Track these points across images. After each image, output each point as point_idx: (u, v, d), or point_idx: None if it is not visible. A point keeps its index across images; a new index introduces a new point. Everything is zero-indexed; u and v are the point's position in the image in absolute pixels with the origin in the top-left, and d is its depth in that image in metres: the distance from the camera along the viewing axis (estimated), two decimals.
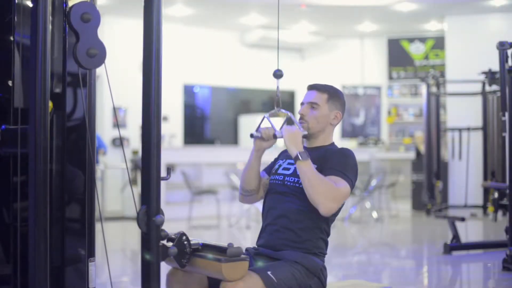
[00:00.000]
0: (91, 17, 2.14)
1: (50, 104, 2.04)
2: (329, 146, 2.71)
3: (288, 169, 2.65)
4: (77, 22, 2.11)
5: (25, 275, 1.99)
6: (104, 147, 10.01)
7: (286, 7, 10.59)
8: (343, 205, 2.56)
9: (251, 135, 2.69)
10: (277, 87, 2.67)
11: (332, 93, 2.70)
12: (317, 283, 2.49)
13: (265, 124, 2.70)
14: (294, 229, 2.54)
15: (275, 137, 2.64)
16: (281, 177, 2.65)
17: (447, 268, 5.78)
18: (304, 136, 2.68)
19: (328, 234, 2.63)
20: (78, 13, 2.12)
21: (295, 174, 2.61)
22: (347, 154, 2.60)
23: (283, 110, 2.71)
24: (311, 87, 2.73)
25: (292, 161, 2.63)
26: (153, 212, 2.07)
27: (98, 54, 2.15)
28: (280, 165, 2.71)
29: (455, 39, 11.05)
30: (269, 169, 2.81)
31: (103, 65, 2.21)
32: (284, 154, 2.77)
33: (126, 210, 9.90)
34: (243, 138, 12.38)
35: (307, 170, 2.47)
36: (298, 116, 2.71)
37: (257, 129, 2.70)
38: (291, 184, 2.61)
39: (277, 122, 2.70)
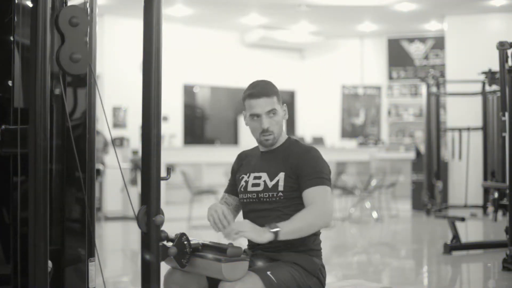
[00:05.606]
0: (79, 21, 2.11)
1: (50, 264, 2.05)
2: (286, 143, 2.62)
3: (258, 184, 2.55)
4: (65, 25, 2.09)
5: (25, 275, 1.99)
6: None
7: (286, 7, 10.59)
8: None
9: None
10: None
11: (275, 91, 2.62)
12: (316, 283, 2.49)
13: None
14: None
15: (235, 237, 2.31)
16: (254, 195, 2.55)
17: (447, 268, 5.78)
18: (267, 145, 2.60)
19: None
20: (67, 16, 2.09)
21: (267, 188, 2.52)
22: (313, 154, 2.52)
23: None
24: (259, 95, 2.60)
25: (257, 175, 2.56)
26: (153, 212, 2.07)
27: (81, 60, 2.10)
28: (246, 182, 2.59)
29: (455, 39, 11.05)
30: (234, 188, 2.67)
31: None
32: (245, 166, 2.65)
33: (126, 210, 9.90)
34: (243, 138, 12.37)
35: (291, 232, 2.34)
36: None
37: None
38: (268, 199, 2.52)
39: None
